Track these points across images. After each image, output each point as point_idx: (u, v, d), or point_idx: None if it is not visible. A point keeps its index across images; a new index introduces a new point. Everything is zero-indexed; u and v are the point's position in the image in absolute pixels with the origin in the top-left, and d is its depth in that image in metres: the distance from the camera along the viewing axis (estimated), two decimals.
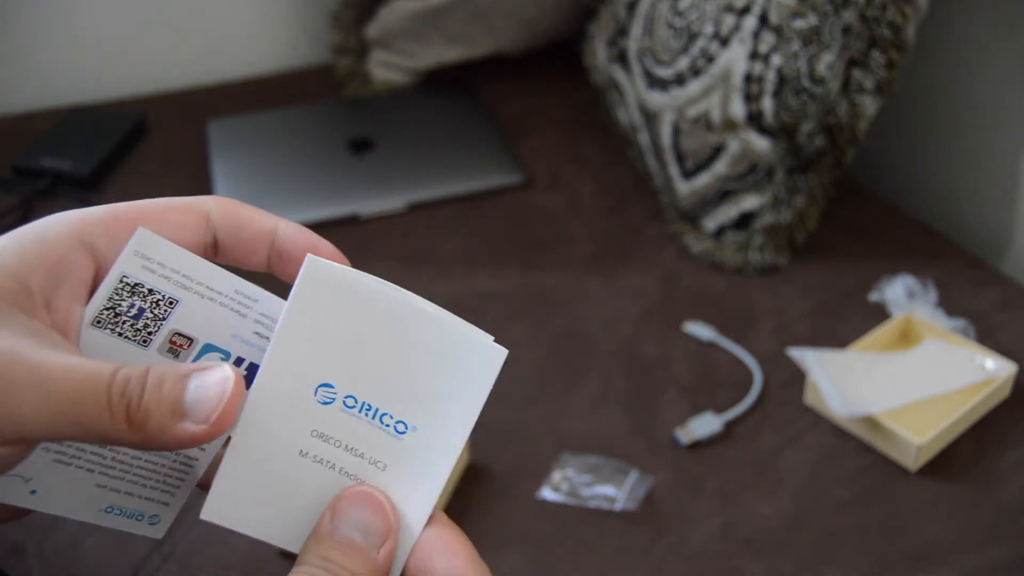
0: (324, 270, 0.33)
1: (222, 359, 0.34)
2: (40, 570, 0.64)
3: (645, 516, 0.68)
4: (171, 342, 0.34)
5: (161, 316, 0.34)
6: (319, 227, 0.97)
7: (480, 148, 1.07)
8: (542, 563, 0.65)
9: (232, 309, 0.34)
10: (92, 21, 1.20)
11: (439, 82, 1.19)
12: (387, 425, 0.33)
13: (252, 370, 0.35)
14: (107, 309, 0.33)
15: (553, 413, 0.76)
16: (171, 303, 0.34)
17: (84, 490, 0.34)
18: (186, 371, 0.30)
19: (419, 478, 0.34)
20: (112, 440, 0.29)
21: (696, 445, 0.73)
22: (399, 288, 0.34)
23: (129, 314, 0.33)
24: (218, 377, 0.30)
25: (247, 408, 0.32)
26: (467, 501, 0.69)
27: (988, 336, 0.81)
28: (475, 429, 0.78)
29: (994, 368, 0.75)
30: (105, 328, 0.33)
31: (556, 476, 0.70)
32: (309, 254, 0.33)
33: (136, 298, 0.33)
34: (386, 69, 1.18)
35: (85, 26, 1.20)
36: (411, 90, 1.18)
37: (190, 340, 0.34)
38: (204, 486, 0.34)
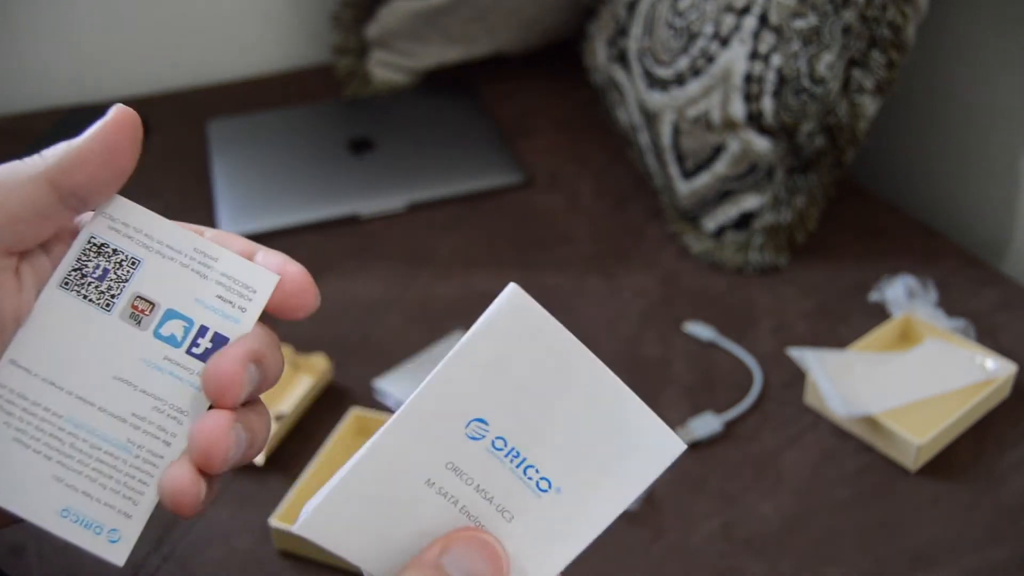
0: (525, 305, 0.32)
1: (185, 327, 0.34)
2: (40, 570, 0.64)
3: (645, 516, 0.68)
4: (133, 307, 0.34)
5: (124, 278, 0.33)
6: (319, 227, 0.97)
7: (480, 148, 1.07)
8: None
9: (193, 270, 0.34)
10: (92, 21, 1.20)
11: (439, 82, 1.19)
12: (530, 478, 0.32)
13: (217, 340, 0.34)
14: (75, 270, 0.33)
15: None
16: (133, 263, 0.34)
17: (41, 483, 0.33)
18: None
19: (549, 541, 0.32)
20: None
21: (696, 445, 0.73)
22: (588, 351, 0.33)
23: (94, 275, 0.33)
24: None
25: (387, 425, 0.30)
26: None
27: (988, 336, 0.81)
28: None
29: (994, 368, 0.75)
30: (71, 290, 0.33)
31: None
32: (513, 284, 0.32)
33: (101, 259, 0.33)
34: (386, 69, 1.18)
35: (85, 26, 1.20)
36: (411, 90, 1.18)
37: (152, 305, 0.34)
38: (172, 505, 0.33)
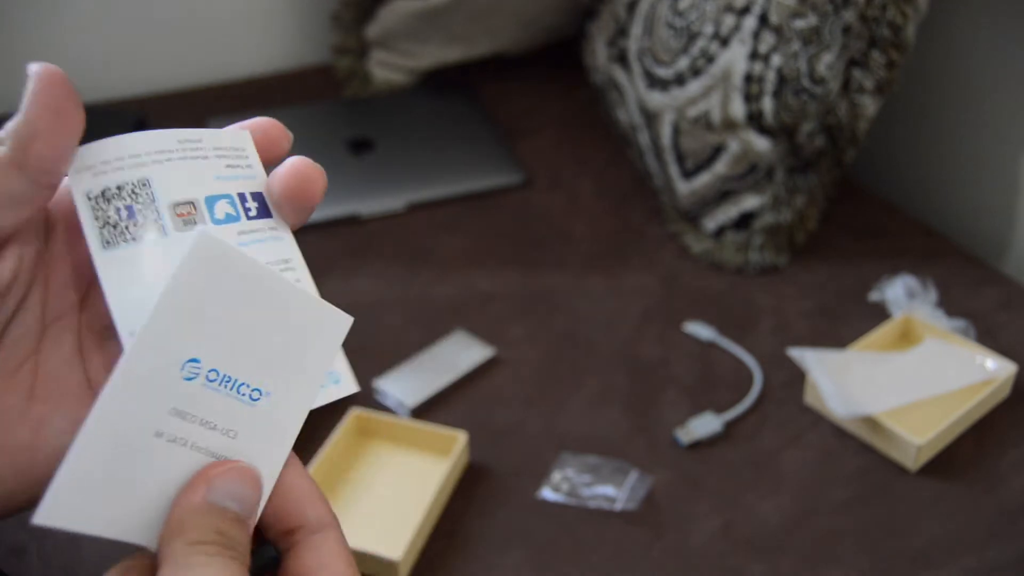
0: (214, 248, 0.32)
1: (229, 202, 0.35)
2: (40, 570, 0.64)
3: (645, 516, 0.68)
4: (179, 215, 0.34)
5: (148, 199, 0.33)
6: (319, 227, 0.97)
7: (480, 148, 1.07)
8: (542, 563, 0.65)
9: (192, 158, 0.35)
10: (92, 21, 1.20)
11: (439, 82, 1.19)
12: (243, 394, 0.33)
13: (256, 197, 0.36)
14: (104, 227, 0.33)
15: (553, 413, 0.76)
16: (144, 184, 0.34)
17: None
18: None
19: (269, 441, 0.34)
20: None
21: (696, 445, 0.73)
22: (269, 268, 0.34)
23: (123, 217, 0.33)
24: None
25: (105, 391, 0.30)
26: (467, 501, 0.69)
27: (988, 336, 0.81)
28: (476, 429, 0.78)
29: (994, 368, 0.75)
30: (117, 243, 0.33)
31: (556, 476, 0.70)
32: (200, 228, 0.33)
33: (115, 201, 0.33)
34: (386, 69, 1.18)
35: (85, 26, 1.20)
36: (411, 90, 1.18)
37: (191, 204, 0.34)
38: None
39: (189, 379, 0.32)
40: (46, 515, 0.30)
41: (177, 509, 0.32)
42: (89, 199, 0.33)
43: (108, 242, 0.33)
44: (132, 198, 0.33)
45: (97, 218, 0.33)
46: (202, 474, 0.32)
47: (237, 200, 0.35)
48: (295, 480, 0.35)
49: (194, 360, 0.32)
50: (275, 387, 0.34)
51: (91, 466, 0.31)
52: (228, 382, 0.33)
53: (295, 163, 0.36)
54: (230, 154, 0.36)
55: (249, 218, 0.36)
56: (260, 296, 0.33)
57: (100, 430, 0.31)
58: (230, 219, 0.35)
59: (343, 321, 0.36)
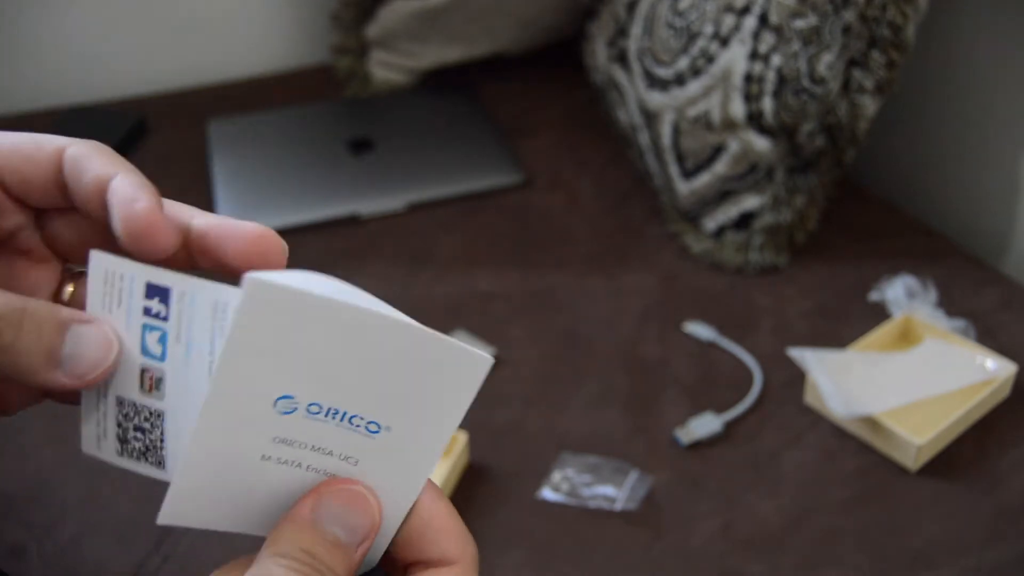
0: (270, 293, 0.29)
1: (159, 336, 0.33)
2: (40, 570, 0.64)
3: (645, 516, 0.68)
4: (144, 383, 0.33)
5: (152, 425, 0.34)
6: (319, 227, 0.97)
7: (480, 148, 1.07)
8: (542, 563, 0.65)
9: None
10: (92, 21, 1.20)
11: (439, 82, 1.19)
12: (357, 426, 0.32)
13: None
14: (121, 441, 0.34)
15: (553, 413, 0.76)
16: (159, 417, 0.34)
17: None
18: (65, 320, 0.30)
19: (396, 473, 0.33)
20: None
21: (696, 445, 0.73)
22: (353, 296, 0.32)
23: (136, 439, 0.34)
24: (100, 338, 0.31)
25: (201, 422, 0.30)
26: (467, 501, 0.69)
27: (988, 336, 0.81)
28: (476, 429, 0.78)
29: (994, 368, 0.75)
30: (128, 455, 0.34)
31: (556, 476, 0.71)
32: (249, 275, 0.28)
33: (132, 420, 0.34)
34: (386, 69, 1.18)
35: (85, 26, 1.20)
36: (411, 90, 1.18)
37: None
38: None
39: (287, 413, 0.31)
40: (166, 518, 0.31)
41: (282, 519, 0.32)
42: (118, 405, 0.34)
43: (123, 452, 0.34)
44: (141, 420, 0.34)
45: (118, 426, 0.34)
46: (315, 488, 0.32)
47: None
48: (431, 513, 0.33)
49: (286, 397, 0.31)
50: (396, 423, 0.32)
51: (201, 480, 0.31)
52: (336, 414, 0.32)
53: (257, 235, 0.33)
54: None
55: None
56: (355, 335, 0.31)
57: (202, 454, 0.31)
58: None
59: (482, 362, 0.33)
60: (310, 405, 0.31)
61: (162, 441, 0.33)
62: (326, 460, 0.32)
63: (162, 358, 0.32)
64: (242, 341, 0.29)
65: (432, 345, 0.33)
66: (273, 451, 0.32)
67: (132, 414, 0.33)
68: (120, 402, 0.33)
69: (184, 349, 0.32)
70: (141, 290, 0.32)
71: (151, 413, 0.33)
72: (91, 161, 0.32)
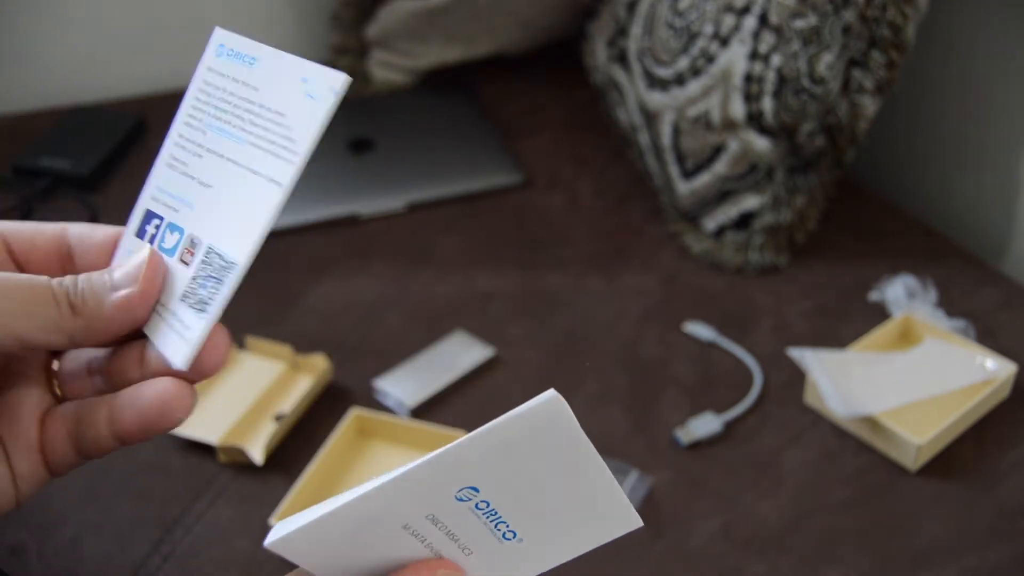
0: (559, 412, 0.33)
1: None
2: (40, 570, 0.64)
3: (645, 516, 0.68)
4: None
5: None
6: (319, 227, 0.97)
7: (480, 148, 1.07)
8: None
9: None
10: (92, 21, 1.20)
11: (439, 82, 1.19)
12: (499, 530, 0.34)
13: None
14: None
15: None
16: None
17: None
18: (110, 268, 0.36)
19: (498, 572, 0.35)
20: (64, 328, 0.34)
21: (696, 445, 0.73)
22: (593, 448, 0.34)
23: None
24: (137, 258, 0.36)
25: (385, 483, 0.32)
26: None
27: (988, 336, 0.81)
28: (475, 427, 0.78)
29: (994, 368, 0.75)
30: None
31: None
32: (554, 391, 0.33)
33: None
34: (386, 69, 1.18)
35: (84, 26, 1.20)
36: (411, 90, 1.18)
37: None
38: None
39: (460, 500, 0.33)
40: (279, 546, 0.34)
41: None
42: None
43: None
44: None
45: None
46: (426, 563, 0.34)
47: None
48: None
49: (474, 488, 0.33)
50: (532, 537, 0.34)
51: (337, 529, 0.33)
52: (492, 515, 0.34)
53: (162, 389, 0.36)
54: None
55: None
56: (570, 466, 0.33)
57: (362, 507, 0.32)
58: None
59: (632, 521, 0.36)
60: (481, 501, 0.33)
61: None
62: (449, 544, 0.34)
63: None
64: (503, 433, 0.32)
65: (607, 491, 0.35)
66: (418, 525, 0.33)
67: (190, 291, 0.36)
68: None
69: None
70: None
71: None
72: (98, 228, 0.39)
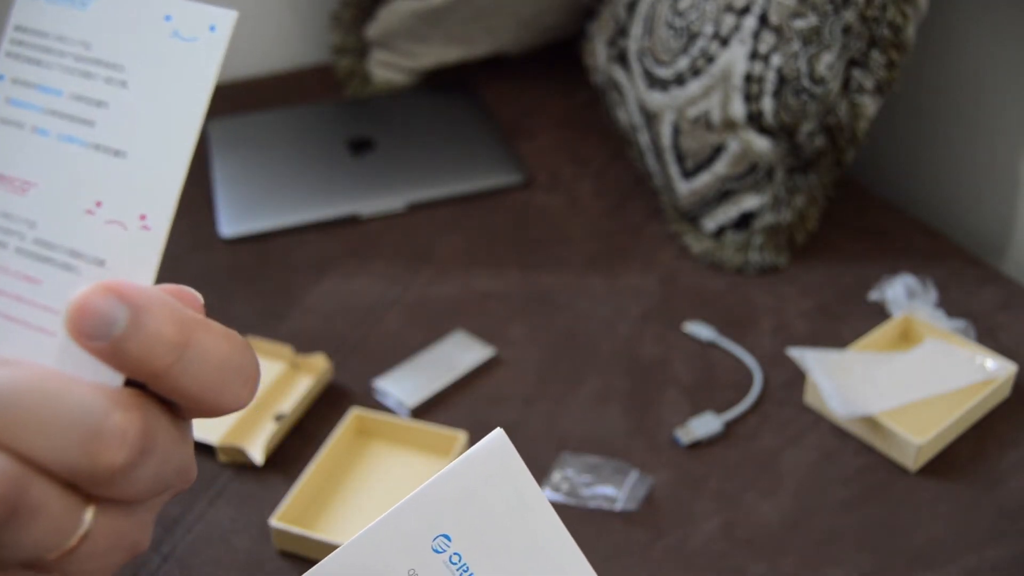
0: (505, 449, 0.35)
1: None
2: None
3: (645, 516, 0.68)
4: None
5: None
6: (319, 227, 0.97)
7: (480, 148, 1.07)
8: None
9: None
10: None
11: (439, 82, 1.19)
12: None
13: None
14: None
15: (553, 413, 0.76)
16: None
17: None
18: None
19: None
20: None
21: (696, 445, 0.73)
22: (546, 501, 0.36)
23: None
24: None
25: (368, 529, 0.34)
26: None
27: (988, 336, 0.81)
28: (475, 429, 0.78)
29: (994, 368, 0.75)
30: None
31: (556, 476, 0.70)
32: (499, 430, 0.35)
33: None
34: (386, 69, 1.18)
35: None
36: (411, 90, 1.18)
37: None
38: None
39: (437, 551, 0.35)
40: None
41: None
42: None
43: None
44: None
45: None
46: None
47: None
48: None
49: (446, 536, 0.35)
50: None
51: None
52: (464, 570, 0.35)
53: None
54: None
55: None
56: (530, 517, 0.35)
57: (349, 557, 0.34)
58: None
59: None
60: (454, 554, 0.35)
61: None
62: None
63: None
64: (458, 473, 0.34)
65: (574, 561, 0.37)
66: None
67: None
68: None
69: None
70: None
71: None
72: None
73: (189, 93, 0.30)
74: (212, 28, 0.30)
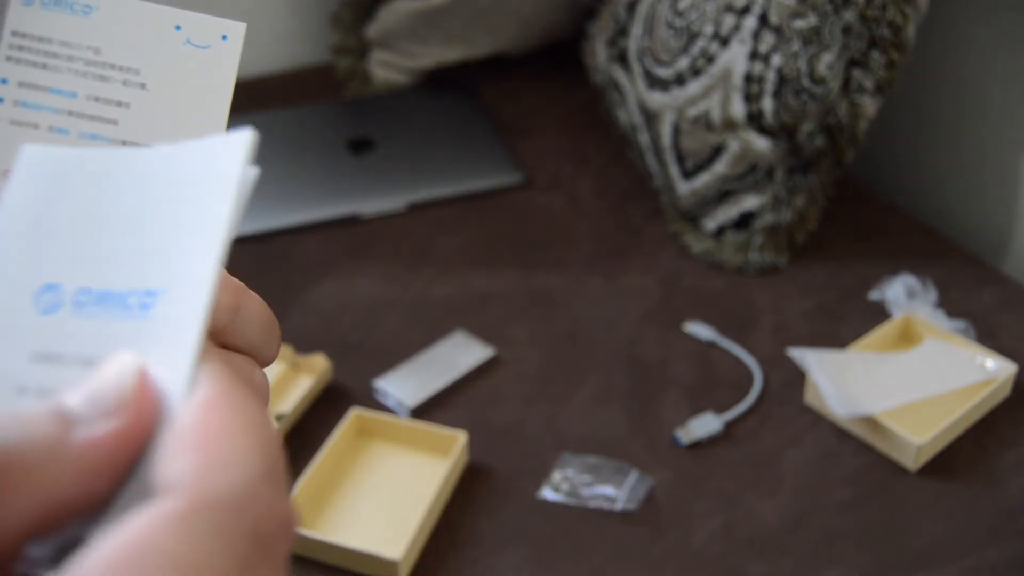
0: (43, 155, 0.26)
1: None
2: None
3: (645, 516, 0.68)
4: None
5: None
6: (319, 227, 0.97)
7: (480, 148, 1.07)
8: (542, 563, 0.65)
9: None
10: None
11: (439, 82, 1.19)
12: (131, 306, 0.25)
13: None
14: None
15: (553, 413, 0.76)
16: None
17: None
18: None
19: (169, 346, 0.24)
20: None
21: (696, 445, 0.73)
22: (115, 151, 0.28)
23: None
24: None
25: None
26: (467, 501, 0.69)
27: (988, 336, 0.81)
28: (476, 429, 0.78)
29: (994, 368, 0.75)
30: None
31: (556, 476, 0.70)
32: (27, 145, 0.26)
33: None
34: (386, 69, 1.18)
35: None
36: (411, 90, 1.18)
37: None
38: None
39: (50, 311, 0.25)
40: None
41: None
42: None
43: None
44: None
45: None
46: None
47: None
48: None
49: (51, 286, 0.25)
50: (167, 278, 0.25)
51: None
52: (109, 298, 0.25)
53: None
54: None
55: None
56: (113, 184, 0.26)
57: None
58: None
59: (239, 141, 0.26)
60: (79, 293, 0.25)
61: None
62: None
63: None
64: (6, 216, 0.26)
65: (184, 153, 0.27)
66: (31, 377, 0.25)
67: None
68: None
69: None
70: None
71: None
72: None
73: (211, 93, 0.31)
74: (224, 37, 0.31)
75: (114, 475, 0.22)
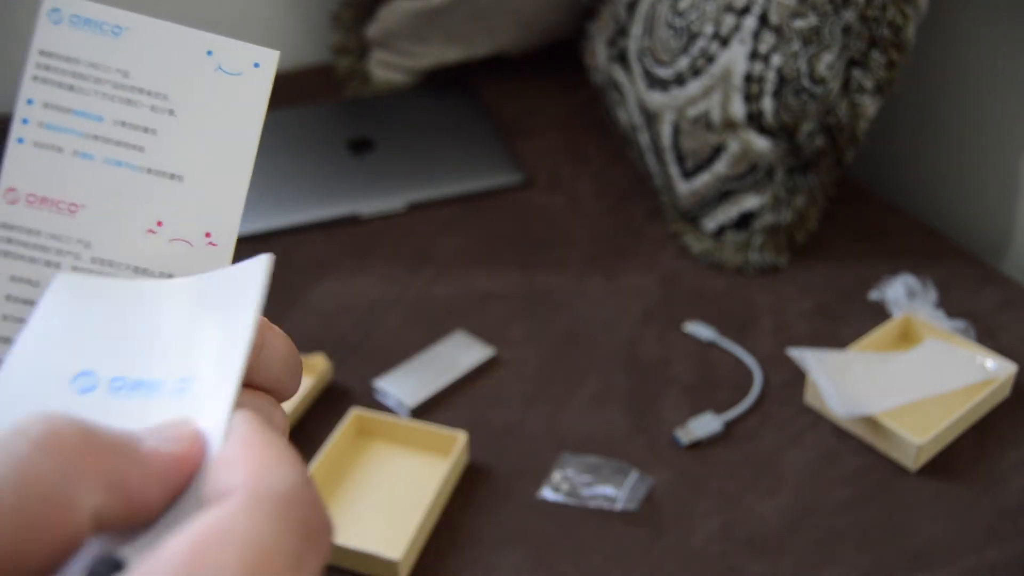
0: (75, 279, 0.28)
1: None
2: None
3: (645, 516, 0.68)
4: None
5: None
6: (319, 227, 0.97)
7: (480, 148, 1.07)
8: (542, 563, 0.65)
9: None
10: None
11: (439, 82, 1.19)
12: (167, 390, 0.27)
13: None
14: None
15: (553, 413, 0.76)
16: None
17: None
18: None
19: (207, 415, 0.27)
20: None
21: (696, 445, 0.73)
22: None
23: None
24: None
25: None
26: (467, 501, 0.69)
27: (988, 336, 0.81)
28: (476, 429, 0.78)
29: (994, 368, 0.75)
30: None
31: (556, 476, 0.70)
32: (61, 275, 0.29)
33: None
34: (386, 69, 1.18)
35: None
36: (411, 90, 1.18)
37: None
38: None
39: (86, 391, 0.27)
40: None
41: None
42: None
43: None
44: None
45: None
46: None
47: None
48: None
49: (86, 373, 0.27)
50: (202, 365, 0.28)
51: None
52: (140, 385, 0.27)
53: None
54: None
55: None
56: (147, 300, 0.29)
57: None
58: None
59: (260, 262, 0.29)
60: (113, 380, 0.27)
61: None
62: None
63: None
64: (43, 320, 0.27)
65: (210, 279, 0.29)
66: None
67: None
68: None
69: None
70: None
71: None
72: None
73: (241, 121, 0.32)
74: (256, 65, 0.31)
75: (166, 489, 0.25)
